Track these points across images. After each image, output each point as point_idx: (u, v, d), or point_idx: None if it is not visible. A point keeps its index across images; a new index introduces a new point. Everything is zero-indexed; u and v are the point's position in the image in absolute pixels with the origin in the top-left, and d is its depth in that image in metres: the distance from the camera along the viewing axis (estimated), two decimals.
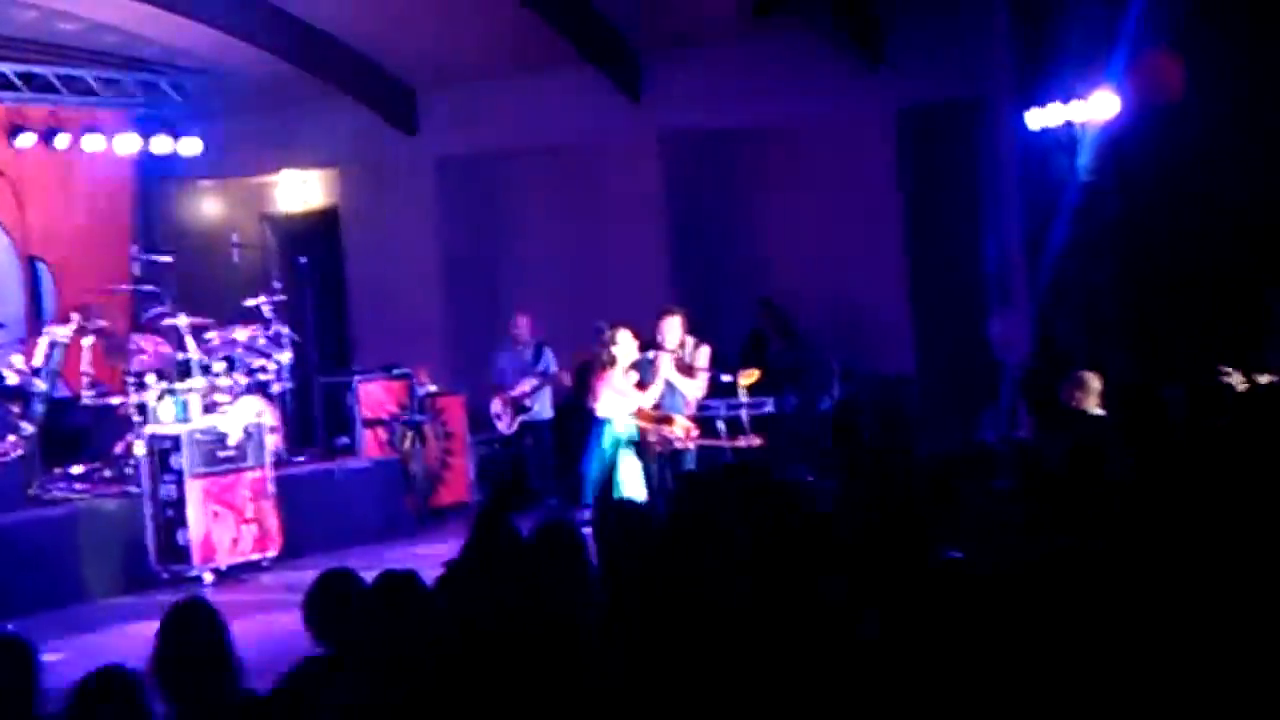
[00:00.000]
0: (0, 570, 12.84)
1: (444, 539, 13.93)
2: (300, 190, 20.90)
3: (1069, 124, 14.83)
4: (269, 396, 15.81)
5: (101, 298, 16.66)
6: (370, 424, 17.00)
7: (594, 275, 18.19)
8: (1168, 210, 14.69)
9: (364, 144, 19.46)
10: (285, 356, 16.15)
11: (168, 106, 19.32)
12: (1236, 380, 11.13)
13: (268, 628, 8.90)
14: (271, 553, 14.44)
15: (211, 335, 15.64)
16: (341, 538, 15.03)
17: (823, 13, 16.28)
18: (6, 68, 17.63)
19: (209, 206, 21.17)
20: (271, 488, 14.58)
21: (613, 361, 13.61)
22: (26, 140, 18.10)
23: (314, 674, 5.58)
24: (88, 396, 15.50)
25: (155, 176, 20.24)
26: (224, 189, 21.09)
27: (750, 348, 17.20)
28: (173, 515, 13.91)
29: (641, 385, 13.63)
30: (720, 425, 14.94)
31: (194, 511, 13.87)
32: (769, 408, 15.88)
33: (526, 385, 17.19)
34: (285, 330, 16.32)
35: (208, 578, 13.71)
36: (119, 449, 15.03)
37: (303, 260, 17.53)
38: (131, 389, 14.81)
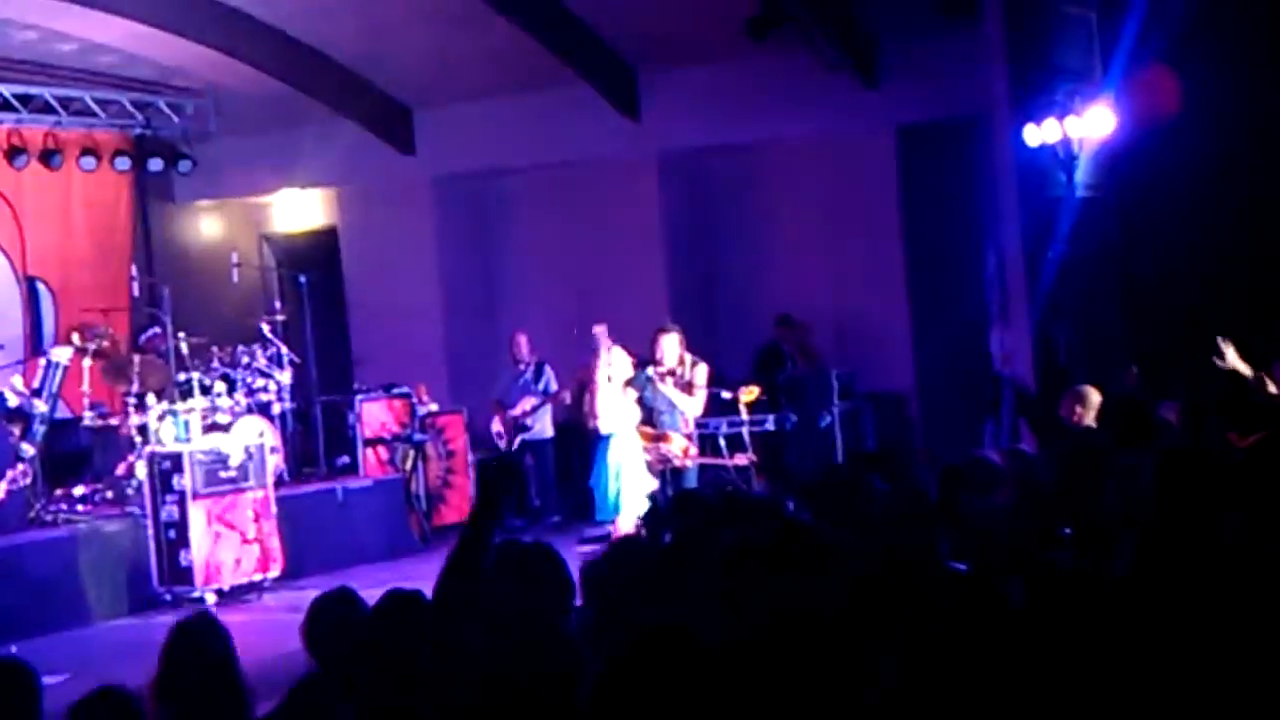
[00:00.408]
0: (2, 593, 12.85)
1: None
2: (299, 210, 20.93)
3: (1066, 140, 14.86)
4: (270, 416, 15.82)
5: (101, 318, 16.69)
6: (371, 443, 17.02)
7: (593, 293, 18.18)
8: (1165, 224, 14.73)
9: (362, 163, 19.47)
10: (285, 376, 16.17)
11: (165, 127, 19.33)
12: (1231, 357, 11.13)
13: (270, 648, 8.89)
14: (274, 573, 14.42)
15: (211, 355, 15.67)
16: (344, 558, 15.05)
17: (817, 33, 16.31)
18: (4, 89, 17.65)
19: (208, 227, 21.19)
20: (273, 508, 14.57)
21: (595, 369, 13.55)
22: (25, 161, 18.11)
23: (315, 693, 5.57)
24: (89, 418, 15.54)
25: (154, 197, 20.25)
26: (222, 209, 21.11)
27: (764, 364, 17.21)
28: (175, 536, 13.91)
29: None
30: (721, 443, 14.96)
31: (196, 532, 13.86)
32: (769, 425, 15.91)
33: (527, 404, 17.20)
34: (285, 350, 16.34)
35: (210, 599, 13.69)
36: (120, 470, 15.05)
37: (302, 280, 17.53)
38: (132, 410, 14.83)
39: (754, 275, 18.23)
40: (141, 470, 14.26)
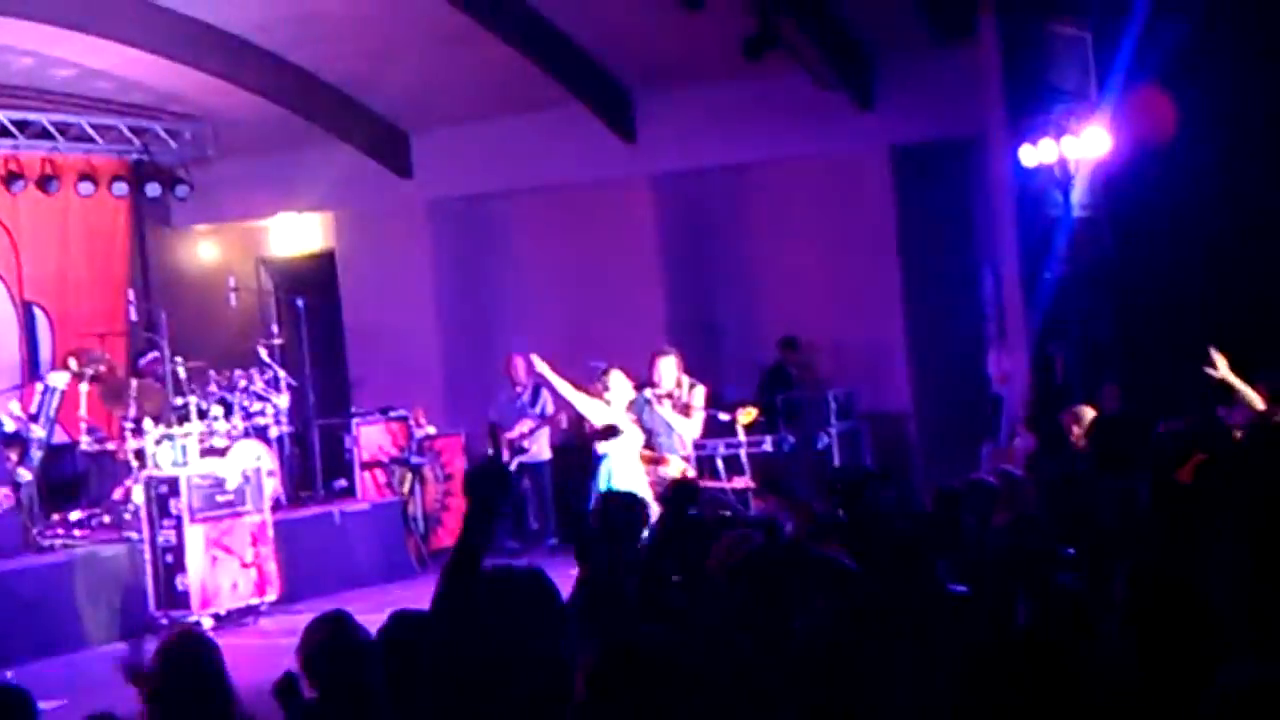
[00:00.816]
0: None
1: None
2: (296, 234, 20.94)
3: (1062, 160, 14.88)
4: (267, 440, 15.82)
5: (98, 343, 16.69)
6: (369, 466, 17.02)
7: (589, 315, 18.20)
8: (1161, 244, 14.74)
9: (358, 187, 19.48)
10: (283, 400, 16.16)
11: (163, 152, 19.35)
12: (1222, 368, 11.16)
13: (267, 673, 8.87)
14: (271, 597, 14.41)
15: (209, 379, 15.66)
16: (341, 581, 15.04)
17: (812, 54, 16.33)
18: (1, 115, 17.67)
19: (205, 251, 21.19)
20: (270, 532, 14.55)
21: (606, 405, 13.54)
22: (22, 187, 18.12)
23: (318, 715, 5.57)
24: (86, 443, 15.53)
25: (151, 222, 20.27)
26: (220, 233, 21.12)
27: (769, 386, 17.20)
28: (172, 561, 13.89)
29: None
30: (719, 465, 14.94)
31: (193, 556, 13.85)
32: (767, 446, 15.90)
33: (524, 427, 17.18)
34: (282, 374, 16.34)
35: (207, 623, 13.64)
36: (117, 495, 15.04)
37: (299, 303, 17.54)
38: (129, 434, 14.82)
39: (750, 296, 18.23)
40: (138, 494, 14.25)
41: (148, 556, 13.97)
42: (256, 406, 15.86)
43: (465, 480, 4.99)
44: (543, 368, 13.78)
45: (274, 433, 16.01)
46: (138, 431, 14.72)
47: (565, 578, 5.70)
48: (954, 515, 8.15)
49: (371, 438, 17.17)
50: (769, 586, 5.56)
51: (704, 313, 18.51)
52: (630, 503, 8.25)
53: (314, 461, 17.22)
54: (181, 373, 15.46)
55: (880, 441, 17.07)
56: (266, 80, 17.89)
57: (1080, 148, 14.81)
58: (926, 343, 17.26)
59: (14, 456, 14.49)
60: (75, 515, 15.16)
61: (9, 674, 10.99)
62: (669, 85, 17.60)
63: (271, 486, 15.13)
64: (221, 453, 14.82)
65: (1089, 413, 11.48)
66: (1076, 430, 11.26)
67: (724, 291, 18.53)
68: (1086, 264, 15.34)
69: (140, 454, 14.58)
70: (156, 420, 14.79)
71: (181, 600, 13.83)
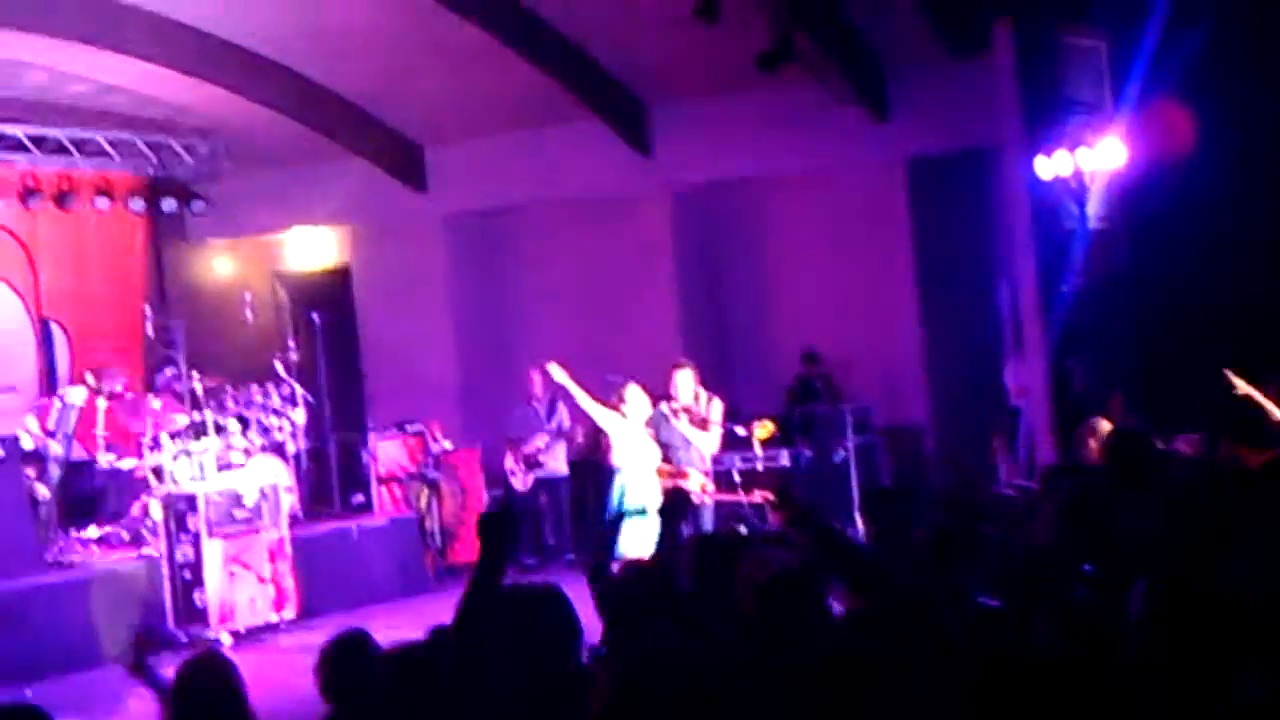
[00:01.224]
0: (18, 635, 12.85)
1: None
2: (312, 248, 20.98)
3: (1078, 172, 14.85)
4: (284, 455, 15.84)
5: (115, 359, 16.72)
6: (385, 481, 17.01)
7: (605, 329, 18.21)
8: (1177, 256, 14.70)
9: (374, 201, 19.52)
10: (299, 415, 16.18)
11: (179, 167, 19.38)
12: (1242, 387, 11.09)
13: (285, 690, 8.88)
14: (288, 613, 14.40)
15: (226, 395, 15.68)
16: (358, 597, 15.01)
17: (827, 66, 16.34)
18: (18, 130, 17.70)
19: (221, 266, 21.23)
20: (288, 548, 14.55)
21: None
22: (38, 203, 18.16)
23: None
24: (104, 459, 15.55)
25: (167, 237, 20.31)
26: (236, 248, 21.16)
27: (796, 400, 17.18)
28: (190, 577, 13.90)
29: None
30: (736, 478, 14.90)
31: (211, 572, 13.86)
32: (784, 460, 15.86)
33: (540, 441, 17.16)
34: (299, 389, 16.35)
35: (226, 639, 13.66)
36: (135, 511, 15.05)
37: (315, 318, 17.56)
38: (147, 450, 14.84)
39: (766, 309, 18.23)
40: (156, 511, 14.27)
41: (166, 573, 13.97)
42: (273, 422, 15.88)
43: (478, 524, 5.06)
44: (560, 376, 13.78)
45: (291, 448, 16.03)
46: (155, 447, 14.74)
47: (581, 593, 5.68)
48: (972, 529, 8.12)
49: (388, 452, 17.17)
50: (799, 605, 5.55)
51: (719, 326, 18.51)
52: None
53: (331, 477, 17.22)
54: (198, 388, 15.49)
55: (897, 456, 17.05)
56: (282, 95, 17.93)
57: (1096, 159, 14.78)
58: (943, 356, 17.23)
59: (33, 473, 14.52)
60: (93, 532, 15.17)
61: (28, 692, 10.98)
62: (684, 99, 17.62)
63: (289, 502, 15.13)
64: (239, 468, 14.84)
65: (1105, 425, 11.42)
66: (1093, 443, 11.21)
67: (739, 304, 18.53)
68: (1102, 276, 15.31)
69: (158, 470, 14.60)
70: (174, 436, 14.81)
71: (200, 616, 13.83)
